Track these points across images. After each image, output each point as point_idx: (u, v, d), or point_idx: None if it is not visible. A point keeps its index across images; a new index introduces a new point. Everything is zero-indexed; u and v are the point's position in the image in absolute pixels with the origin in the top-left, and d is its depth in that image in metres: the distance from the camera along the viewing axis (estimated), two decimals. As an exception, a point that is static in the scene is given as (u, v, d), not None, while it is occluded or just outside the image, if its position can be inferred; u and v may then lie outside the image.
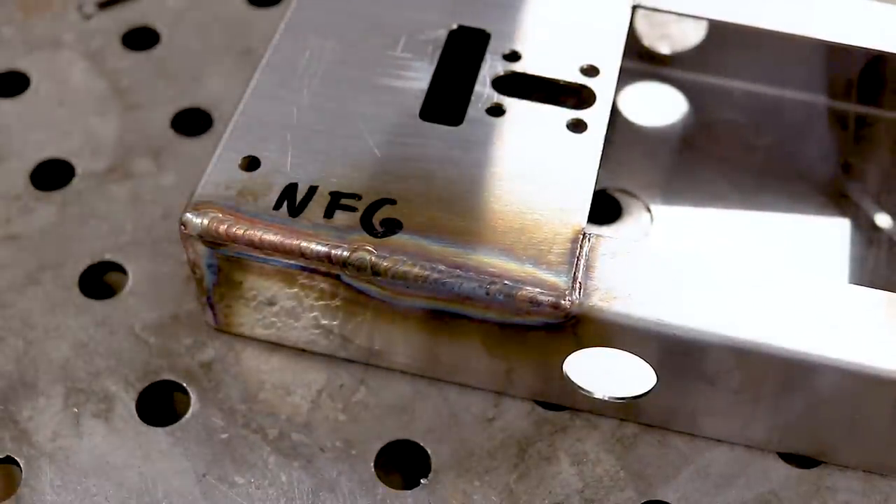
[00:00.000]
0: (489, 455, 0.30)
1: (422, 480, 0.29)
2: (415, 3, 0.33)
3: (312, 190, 0.28)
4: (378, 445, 0.30)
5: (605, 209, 0.35)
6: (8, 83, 0.39)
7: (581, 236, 0.28)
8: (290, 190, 0.28)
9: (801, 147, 0.36)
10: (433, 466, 0.29)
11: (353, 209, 0.28)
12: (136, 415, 0.30)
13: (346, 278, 0.27)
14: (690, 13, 0.34)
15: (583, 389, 0.29)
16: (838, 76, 0.36)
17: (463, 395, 0.31)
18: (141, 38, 0.40)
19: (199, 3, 0.42)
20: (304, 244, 0.27)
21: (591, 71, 0.32)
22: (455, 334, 0.29)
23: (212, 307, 0.31)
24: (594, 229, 0.30)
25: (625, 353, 0.27)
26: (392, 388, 0.31)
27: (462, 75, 0.32)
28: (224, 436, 0.30)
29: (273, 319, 0.30)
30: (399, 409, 0.30)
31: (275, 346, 0.31)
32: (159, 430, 0.30)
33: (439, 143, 0.30)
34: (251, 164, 0.29)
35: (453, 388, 0.31)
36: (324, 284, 0.28)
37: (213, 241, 0.28)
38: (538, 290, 0.26)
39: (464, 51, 0.33)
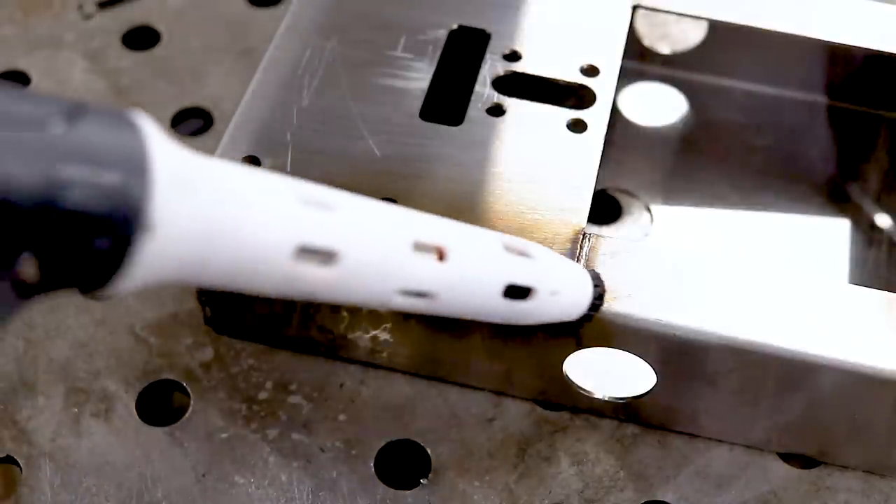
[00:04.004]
0: (489, 455, 0.30)
1: (422, 480, 0.29)
2: (415, 3, 0.33)
3: (312, 190, 0.28)
4: (378, 445, 0.30)
5: (605, 209, 0.35)
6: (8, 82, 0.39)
7: (581, 236, 0.28)
8: (290, 190, 0.28)
9: (800, 147, 0.36)
10: (433, 466, 0.29)
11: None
12: (135, 414, 0.30)
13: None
14: (690, 13, 0.34)
15: (583, 390, 0.29)
16: (838, 76, 0.36)
17: (463, 395, 0.31)
18: (141, 38, 0.40)
19: (199, 3, 0.41)
20: (304, 244, 0.27)
21: (591, 71, 0.32)
22: (455, 334, 0.29)
23: (211, 307, 0.31)
24: (594, 229, 0.30)
25: (625, 353, 0.27)
26: (392, 388, 0.31)
27: (462, 75, 0.32)
28: (224, 435, 0.30)
29: (272, 319, 0.30)
30: (399, 409, 0.30)
31: (275, 346, 0.31)
32: (159, 429, 0.30)
33: (439, 142, 0.30)
34: (251, 163, 0.29)
35: (453, 389, 0.31)
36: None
37: (213, 240, 0.28)
38: (538, 290, 0.26)
39: (464, 51, 0.32)
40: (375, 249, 0.19)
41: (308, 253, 0.17)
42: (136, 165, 0.15)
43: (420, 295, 0.20)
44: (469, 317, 0.22)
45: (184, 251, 0.16)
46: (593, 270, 0.26)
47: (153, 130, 0.15)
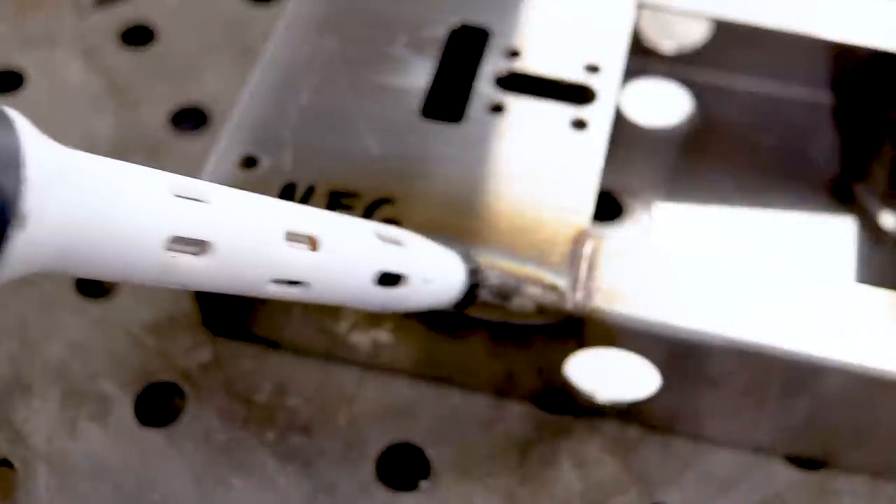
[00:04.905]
0: (490, 458, 0.29)
1: (422, 483, 0.29)
2: (415, 0, 0.33)
3: (311, 189, 0.28)
4: (378, 448, 0.29)
5: (607, 209, 0.35)
6: (4, 80, 0.38)
7: (583, 236, 0.27)
8: (289, 189, 0.28)
9: (805, 146, 0.36)
10: (433, 469, 0.29)
11: (351, 209, 0.28)
12: (132, 417, 0.30)
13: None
14: (695, 11, 0.34)
15: (584, 392, 0.29)
16: (843, 75, 0.36)
17: (464, 397, 0.30)
18: (138, 36, 0.40)
19: (196, 1, 0.41)
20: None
21: (594, 69, 0.31)
22: (455, 336, 0.28)
23: (209, 308, 0.30)
24: (596, 229, 0.30)
25: (628, 354, 0.27)
26: (392, 390, 0.30)
27: (463, 73, 0.31)
28: (222, 438, 0.29)
29: (271, 320, 0.30)
30: (399, 411, 0.30)
31: (273, 347, 0.31)
32: (156, 432, 0.30)
33: (440, 141, 0.29)
34: (249, 162, 0.29)
35: (454, 391, 0.30)
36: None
37: (210, 241, 0.27)
38: (539, 290, 0.26)
39: (465, 48, 0.32)
40: (248, 240, 0.19)
41: (182, 243, 0.18)
42: (9, 159, 0.15)
43: (293, 283, 0.21)
44: (344, 303, 0.23)
45: (58, 242, 0.16)
46: (473, 259, 0.26)
47: (25, 125, 0.16)
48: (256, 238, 0.19)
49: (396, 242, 0.23)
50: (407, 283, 0.23)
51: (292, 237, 0.20)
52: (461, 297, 0.25)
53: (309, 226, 0.21)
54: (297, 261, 0.20)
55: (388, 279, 0.23)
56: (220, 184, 0.28)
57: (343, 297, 0.22)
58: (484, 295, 0.26)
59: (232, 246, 0.19)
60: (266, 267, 0.20)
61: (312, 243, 0.21)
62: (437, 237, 0.27)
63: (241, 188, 0.28)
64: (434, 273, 0.24)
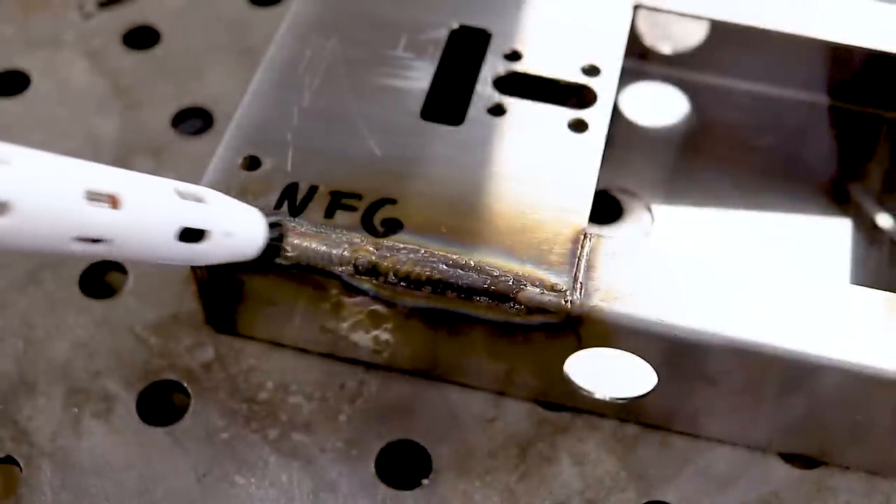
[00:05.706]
0: (490, 455, 0.29)
1: (423, 481, 0.29)
2: (416, 2, 0.33)
3: (313, 189, 0.28)
4: (378, 446, 0.30)
5: (605, 209, 0.35)
6: (8, 82, 0.39)
7: (582, 236, 0.27)
8: (291, 190, 0.28)
9: (802, 147, 0.36)
10: (434, 467, 0.29)
11: (353, 209, 0.28)
12: (135, 415, 0.30)
13: (346, 278, 0.27)
14: (692, 13, 0.34)
15: (584, 390, 0.29)
16: (840, 76, 0.36)
17: (463, 395, 0.31)
18: (141, 38, 0.40)
19: (199, 3, 0.41)
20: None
21: (592, 70, 0.32)
22: (455, 334, 0.29)
23: (212, 306, 0.31)
24: (595, 229, 0.30)
25: (626, 353, 0.27)
26: (392, 389, 0.31)
27: (463, 75, 0.32)
28: (224, 436, 0.30)
29: (273, 319, 0.30)
30: (399, 410, 0.30)
31: (275, 345, 0.31)
32: (159, 430, 0.30)
33: (440, 142, 0.30)
34: (252, 163, 0.29)
35: (454, 389, 0.31)
36: (324, 284, 0.28)
37: (213, 240, 0.28)
38: (539, 290, 0.26)
39: (465, 50, 0.32)
40: (47, 199, 0.20)
41: None
42: None
43: (96, 241, 0.21)
44: (150, 260, 0.23)
45: None
46: (274, 214, 0.27)
47: None
48: (56, 197, 0.20)
49: (197, 199, 0.24)
50: (209, 237, 0.24)
51: (93, 196, 0.21)
52: (262, 249, 0.26)
53: (109, 184, 0.21)
54: (99, 219, 0.21)
55: (191, 235, 0.23)
56: (223, 184, 0.28)
57: (147, 253, 0.23)
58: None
59: (31, 206, 0.19)
60: (67, 225, 0.20)
61: (113, 201, 0.21)
62: (438, 237, 0.27)
63: (244, 189, 0.28)
64: (234, 227, 0.25)
